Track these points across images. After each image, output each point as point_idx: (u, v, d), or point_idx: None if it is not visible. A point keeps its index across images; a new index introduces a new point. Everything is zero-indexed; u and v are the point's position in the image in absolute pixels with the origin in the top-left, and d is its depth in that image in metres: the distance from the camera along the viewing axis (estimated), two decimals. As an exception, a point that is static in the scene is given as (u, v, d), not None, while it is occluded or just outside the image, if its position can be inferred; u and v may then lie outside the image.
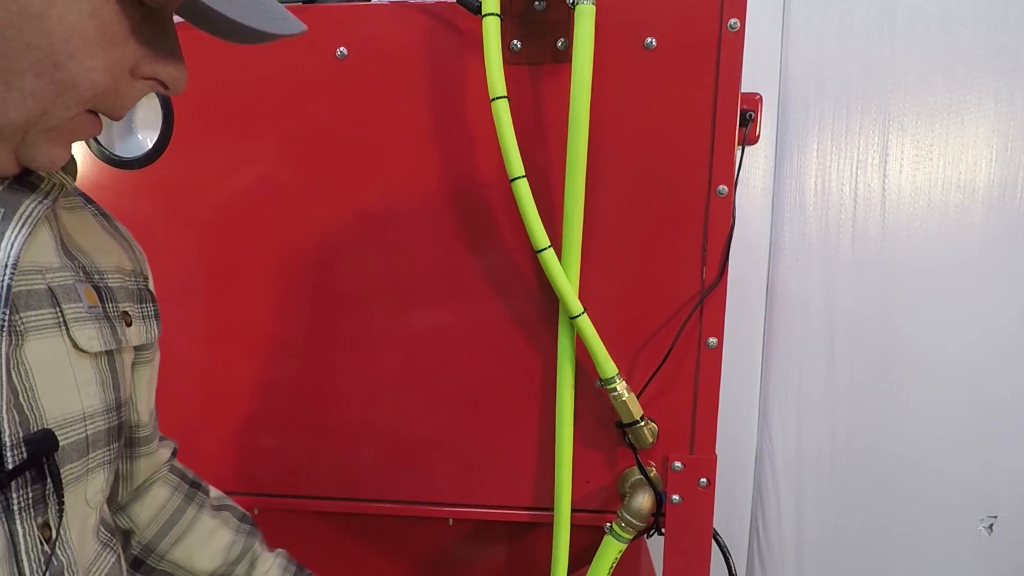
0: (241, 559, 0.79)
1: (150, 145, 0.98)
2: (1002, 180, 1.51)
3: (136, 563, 0.78)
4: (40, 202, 0.49)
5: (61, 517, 0.47)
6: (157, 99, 0.96)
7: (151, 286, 0.66)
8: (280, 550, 0.84)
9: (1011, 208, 1.52)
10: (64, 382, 0.49)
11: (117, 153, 0.98)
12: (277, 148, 0.96)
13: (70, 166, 0.55)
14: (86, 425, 0.51)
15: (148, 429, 0.71)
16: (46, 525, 0.46)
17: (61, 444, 0.47)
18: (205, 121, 0.96)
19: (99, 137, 0.98)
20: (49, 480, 0.46)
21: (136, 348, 0.63)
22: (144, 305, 0.63)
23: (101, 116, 0.51)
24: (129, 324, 0.58)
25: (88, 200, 0.63)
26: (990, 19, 1.45)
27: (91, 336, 0.51)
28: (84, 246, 0.56)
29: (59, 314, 0.49)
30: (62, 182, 0.52)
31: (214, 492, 0.83)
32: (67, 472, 0.49)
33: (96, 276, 0.55)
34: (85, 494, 0.52)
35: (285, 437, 1.03)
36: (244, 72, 0.94)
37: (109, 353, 0.54)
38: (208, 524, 0.78)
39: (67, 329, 0.49)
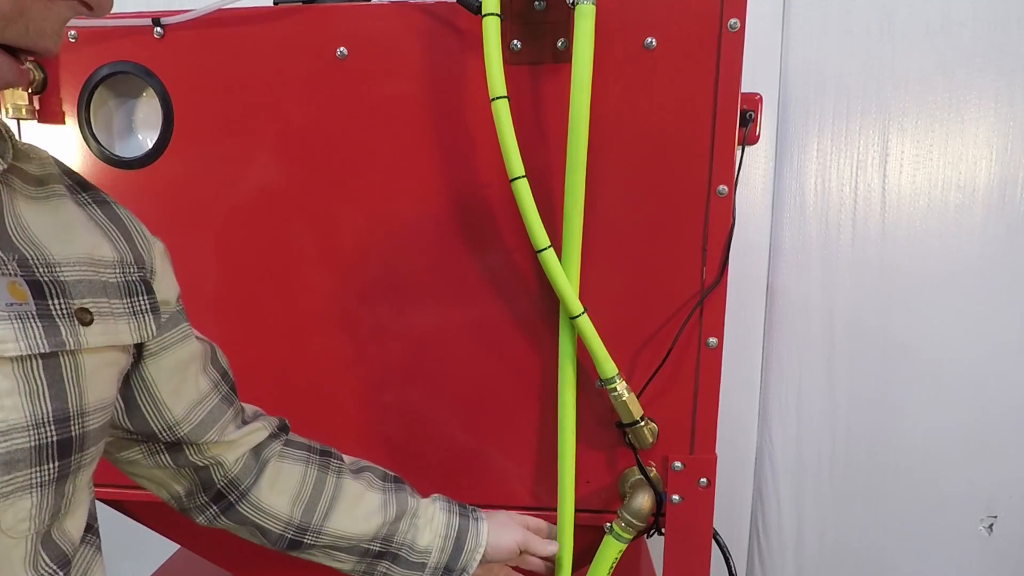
0: (401, 515, 0.78)
1: (150, 145, 0.98)
2: (1002, 180, 1.51)
3: (294, 544, 0.77)
4: None
5: None
6: (157, 99, 0.96)
7: (156, 279, 0.61)
8: (436, 495, 0.84)
9: (1011, 208, 1.51)
10: None
11: (117, 153, 0.98)
12: (277, 148, 0.96)
13: (3, 144, 0.50)
14: None
15: (196, 419, 0.67)
16: None
17: None
18: (205, 121, 0.96)
19: (99, 137, 0.98)
20: None
21: (138, 344, 0.59)
22: (133, 298, 0.57)
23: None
24: (87, 323, 0.51)
25: (80, 188, 0.58)
26: (990, 19, 1.45)
27: (5, 338, 0.44)
28: (39, 236, 0.50)
29: None
30: None
31: (348, 457, 0.81)
32: None
33: (42, 269, 0.49)
34: (0, 523, 0.45)
35: (285, 437, 1.03)
36: (244, 72, 0.94)
37: (46, 357, 0.47)
38: (353, 488, 0.76)
39: None
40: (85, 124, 0.97)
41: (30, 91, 0.96)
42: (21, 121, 0.98)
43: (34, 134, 0.99)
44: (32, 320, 0.47)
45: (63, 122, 0.98)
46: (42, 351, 0.47)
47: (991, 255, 1.53)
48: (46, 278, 0.49)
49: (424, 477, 1.01)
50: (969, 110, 1.49)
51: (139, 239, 0.61)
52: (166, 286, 0.64)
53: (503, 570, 0.92)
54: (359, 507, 0.76)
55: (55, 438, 0.48)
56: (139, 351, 0.62)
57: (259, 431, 0.76)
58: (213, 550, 1.14)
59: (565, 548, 0.96)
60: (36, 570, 0.49)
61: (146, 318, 0.59)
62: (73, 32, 0.95)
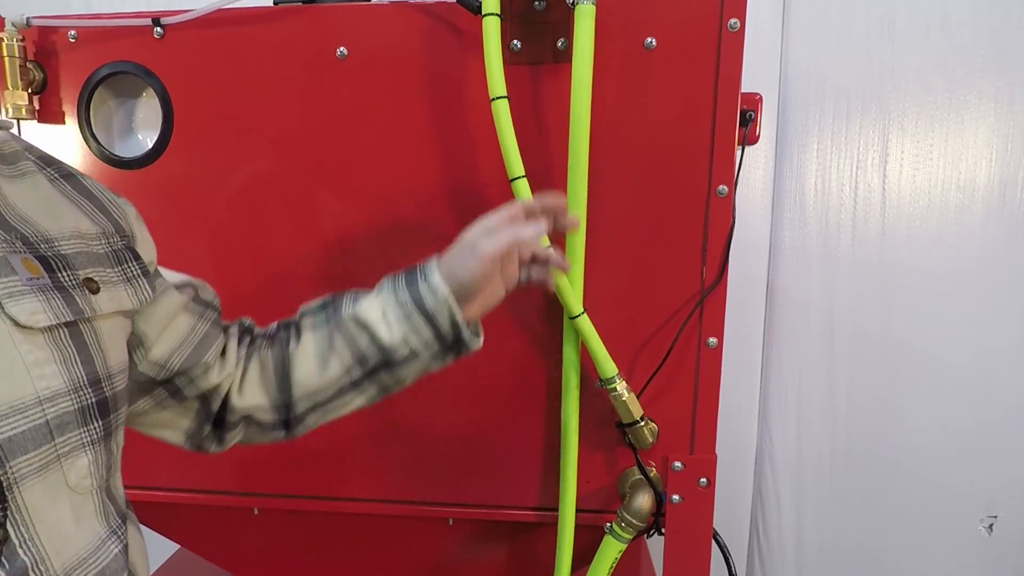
0: (352, 337, 0.72)
1: (150, 145, 0.98)
2: (1002, 180, 1.51)
3: (289, 423, 0.76)
4: None
5: (5, 516, 0.44)
6: (157, 99, 0.96)
7: (137, 244, 0.62)
8: (378, 284, 0.75)
9: (1011, 208, 1.51)
10: (8, 366, 0.46)
11: (117, 153, 0.98)
12: (277, 148, 0.96)
13: None
14: (44, 409, 0.47)
15: (183, 356, 0.68)
16: None
17: (9, 435, 0.44)
18: (205, 121, 0.97)
19: (99, 137, 0.98)
20: None
21: (134, 309, 0.60)
22: (124, 266, 0.59)
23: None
24: (95, 291, 0.54)
25: (47, 163, 0.59)
26: (990, 19, 1.45)
27: (35, 310, 0.47)
28: (28, 215, 0.52)
29: None
30: None
31: (299, 312, 0.78)
32: (21, 465, 0.45)
33: (43, 245, 0.51)
34: (66, 480, 0.49)
35: (285, 437, 1.03)
36: (244, 72, 0.94)
37: (70, 325, 0.51)
38: (299, 346, 0.74)
39: (1, 307, 0.46)
40: (85, 124, 0.97)
41: (30, 91, 0.96)
42: (21, 121, 0.98)
43: (34, 134, 0.99)
44: (52, 292, 0.50)
45: (63, 122, 0.98)
46: (67, 320, 0.50)
47: (991, 255, 1.53)
48: (48, 253, 0.52)
49: (424, 477, 1.02)
50: (969, 110, 1.49)
51: (112, 208, 0.61)
52: (147, 248, 0.65)
53: (503, 272, 0.76)
54: (311, 358, 0.74)
55: (94, 399, 0.52)
56: (134, 311, 0.63)
57: (232, 340, 0.76)
58: (213, 550, 1.14)
59: (565, 548, 0.96)
60: (108, 522, 0.54)
61: (140, 283, 0.61)
62: (73, 32, 0.95)
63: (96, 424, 0.52)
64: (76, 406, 0.50)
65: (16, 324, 0.46)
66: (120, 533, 0.55)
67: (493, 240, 0.71)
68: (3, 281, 0.47)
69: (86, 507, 0.51)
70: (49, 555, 0.47)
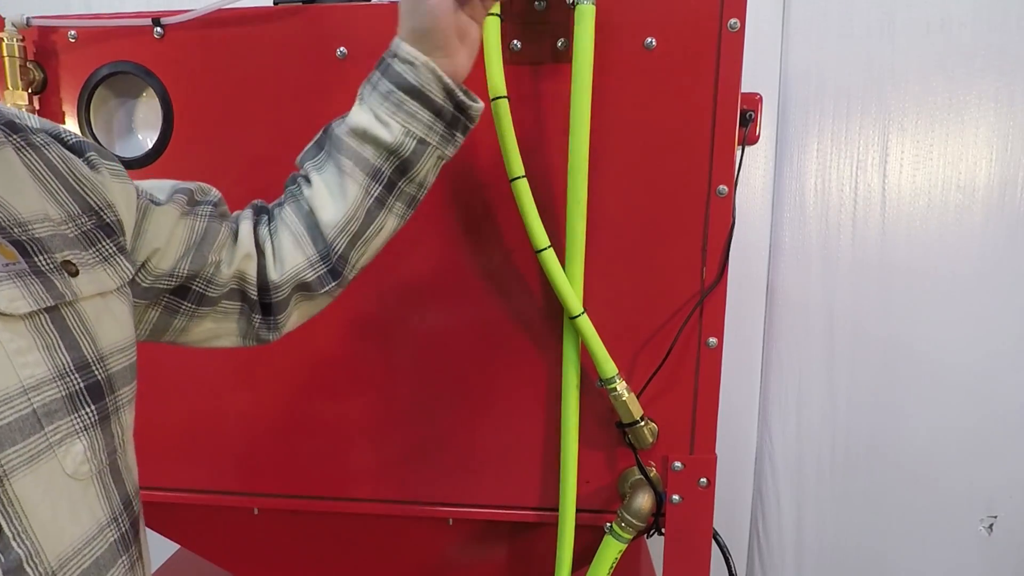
0: (354, 152, 0.69)
1: (150, 145, 0.98)
2: (1002, 180, 1.51)
3: (335, 270, 0.73)
4: None
5: None
6: (157, 99, 0.96)
7: (113, 213, 0.59)
8: (358, 95, 0.71)
9: (1011, 208, 1.51)
10: None
11: (117, 153, 0.98)
12: (277, 148, 0.96)
13: None
14: (30, 398, 0.46)
15: (189, 257, 0.66)
16: None
17: None
18: (205, 121, 0.97)
19: (99, 137, 0.98)
20: None
21: (120, 285, 0.58)
22: (98, 246, 0.57)
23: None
24: (74, 274, 0.52)
25: (12, 129, 0.55)
26: (990, 19, 1.45)
27: (14, 297, 0.46)
28: (2, 196, 0.50)
29: None
30: None
31: (303, 169, 0.75)
32: (13, 455, 0.45)
33: (17, 229, 0.49)
34: (63, 468, 0.48)
35: (285, 437, 1.03)
36: (244, 72, 0.94)
37: (51, 310, 0.49)
38: (311, 191, 0.72)
39: None
40: (85, 124, 0.97)
41: (30, 91, 0.96)
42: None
43: (34, 134, 0.99)
44: (30, 277, 0.48)
45: (63, 122, 0.98)
46: (47, 305, 0.48)
47: (991, 255, 1.53)
48: (23, 237, 0.50)
49: (424, 477, 1.02)
50: (969, 110, 1.49)
51: (78, 183, 0.58)
52: (128, 205, 0.63)
53: (463, 21, 0.69)
54: (328, 193, 0.71)
55: (82, 384, 0.51)
56: (122, 285, 0.61)
57: (245, 222, 0.74)
58: (213, 550, 1.14)
59: (565, 548, 0.96)
60: (111, 505, 0.53)
61: (118, 259, 0.59)
62: (73, 32, 0.95)
63: (88, 409, 0.51)
64: (64, 392, 0.49)
65: None
66: (121, 518, 0.54)
67: None
68: None
69: (88, 492, 0.50)
70: (44, 547, 0.46)
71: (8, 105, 0.95)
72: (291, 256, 0.73)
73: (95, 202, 0.59)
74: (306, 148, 0.76)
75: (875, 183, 1.54)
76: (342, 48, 0.92)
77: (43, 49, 0.96)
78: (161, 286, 0.67)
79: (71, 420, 0.49)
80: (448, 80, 0.68)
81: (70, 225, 0.55)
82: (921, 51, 1.48)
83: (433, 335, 0.98)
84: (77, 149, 0.60)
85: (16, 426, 0.45)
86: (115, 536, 0.53)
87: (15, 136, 0.55)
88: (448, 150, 0.72)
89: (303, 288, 0.74)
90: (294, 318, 0.77)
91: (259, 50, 0.94)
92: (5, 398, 0.45)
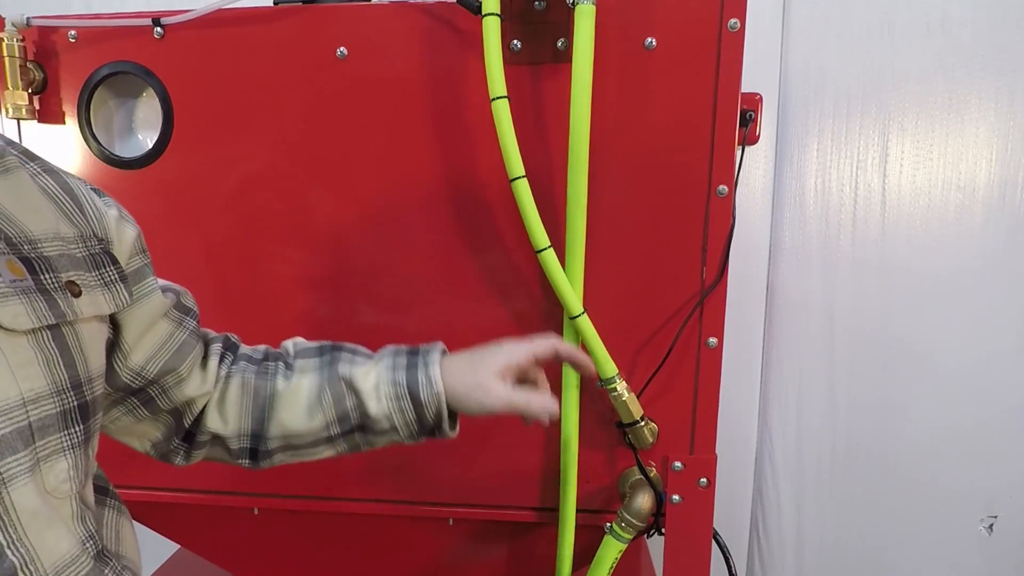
0: (341, 396, 0.73)
1: (150, 145, 0.98)
2: (1002, 180, 1.51)
3: (255, 453, 0.76)
4: None
5: None
6: (157, 99, 0.96)
7: (115, 248, 0.61)
8: (383, 349, 0.76)
9: (1011, 208, 1.51)
10: None
11: (117, 153, 0.98)
12: (277, 148, 0.96)
13: None
14: (27, 411, 0.47)
15: (157, 366, 0.67)
16: None
17: None
18: (205, 121, 0.97)
19: (99, 137, 0.98)
20: None
21: (112, 314, 0.60)
22: (102, 271, 0.58)
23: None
24: (77, 295, 0.54)
25: (30, 158, 0.58)
26: (990, 19, 1.45)
27: (17, 313, 0.47)
28: (13, 214, 0.51)
29: None
30: None
31: (293, 349, 0.78)
32: (10, 465, 0.45)
33: (26, 247, 0.51)
34: (44, 485, 0.48)
35: (285, 437, 1.03)
36: (244, 72, 0.94)
37: (53, 328, 0.50)
38: (286, 386, 0.74)
39: None
40: (85, 124, 0.97)
41: (30, 91, 0.96)
42: (21, 121, 0.98)
43: (34, 134, 0.99)
44: (35, 294, 0.49)
45: (63, 122, 0.98)
46: (49, 323, 0.50)
47: (991, 255, 1.53)
48: (32, 255, 0.51)
49: (424, 477, 1.02)
50: (969, 110, 1.49)
51: (91, 210, 0.60)
52: (127, 250, 0.64)
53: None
54: (296, 404, 0.73)
55: (76, 403, 0.51)
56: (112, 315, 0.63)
57: (213, 358, 0.75)
58: (213, 550, 1.14)
59: (566, 548, 0.96)
60: (84, 525, 0.53)
61: (118, 287, 0.60)
62: (73, 32, 0.95)
63: (77, 428, 0.52)
64: (58, 409, 0.50)
65: (0, 327, 0.46)
66: (94, 540, 0.54)
67: (503, 398, 0.72)
68: None
69: (62, 511, 0.51)
70: (39, 555, 0.47)
71: (9, 106, 0.95)
72: (231, 415, 0.75)
73: (101, 231, 0.60)
74: (309, 344, 0.79)
75: (875, 183, 1.54)
76: (342, 48, 0.92)
77: (43, 49, 0.96)
78: (126, 381, 0.67)
79: (60, 437, 0.50)
80: (446, 415, 0.73)
81: (80, 246, 0.57)
82: (921, 51, 1.48)
83: (433, 335, 0.98)
84: (95, 191, 0.63)
85: (15, 436, 0.46)
86: (93, 553, 0.53)
87: (32, 164, 0.57)
88: (406, 442, 0.77)
89: (222, 446, 0.76)
90: (204, 457, 0.79)
91: (259, 50, 0.94)
92: (6, 409, 0.46)
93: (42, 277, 0.51)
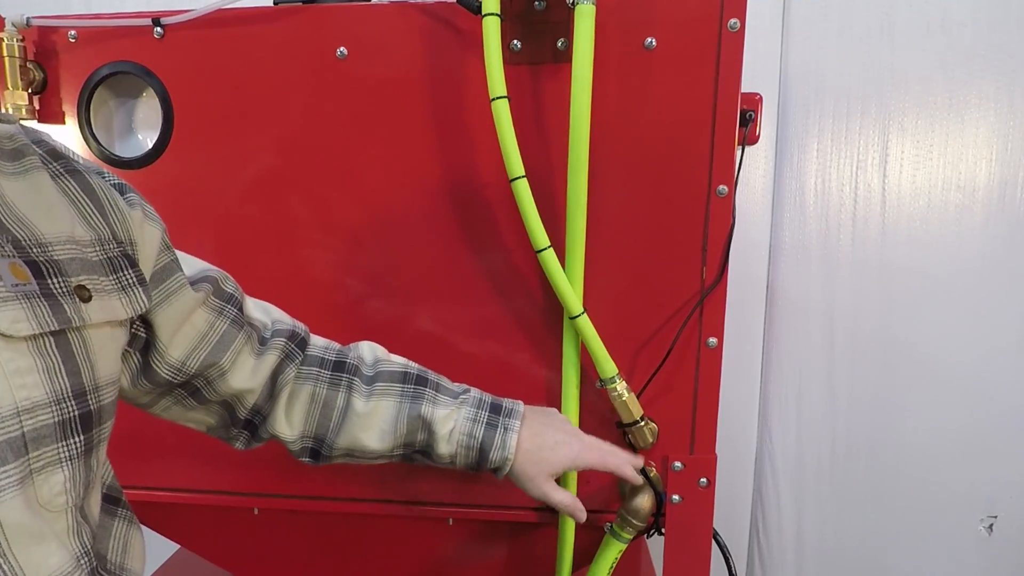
0: (415, 430, 0.77)
1: (150, 145, 0.98)
2: (1002, 180, 1.51)
3: (315, 453, 0.79)
4: None
5: None
6: (157, 99, 0.96)
7: (137, 249, 0.60)
8: (465, 395, 0.80)
9: (1011, 208, 1.51)
10: None
11: (117, 153, 0.98)
12: (277, 148, 0.96)
13: None
14: (21, 421, 0.45)
15: (201, 357, 0.68)
16: None
17: None
18: (205, 121, 0.96)
19: (99, 137, 0.98)
20: None
21: (131, 318, 0.59)
22: (119, 274, 0.57)
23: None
24: (86, 299, 0.52)
25: (54, 157, 0.57)
26: (990, 19, 1.45)
27: (16, 318, 0.46)
28: (27, 216, 0.50)
29: None
30: None
31: (369, 358, 0.81)
32: (2, 476, 0.44)
33: (35, 249, 0.50)
34: (36, 498, 0.46)
35: (285, 437, 1.03)
36: (244, 72, 0.94)
37: (57, 334, 0.49)
38: (363, 406, 0.76)
39: None
40: (85, 124, 0.97)
41: (30, 91, 0.96)
42: (21, 121, 0.98)
43: (34, 134, 0.99)
44: (38, 299, 0.48)
45: (63, 122, 0.98)
46: (52, 329, 0.48)
47: (991, 255, 1.53)
48: (41, 258, 0.50)
49: (424, 477, 1.02)
50: (969, 110, 1.49)
51: (113, 213, 0.59)
52: (153, 249, 0.64)
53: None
54: (371, 427, 0.76)
55: (76, 412, 0.50)
56: (132, 319, 0.61)
57: (273, 354, 0.75)
58: (213, 550, 1.14)
59: (566, 548, 0.96)
60: (80, 540, 0.51)
61: (135, 291, 0.59)
62: (73, 32, 0.95)
63: (77, 439, 0.50)
64: (56, 419, 0.48)
65: None
66: (90, 556, 0.52)
67: (544, 496, 0.80)
68: None
69: (56, 525, 0.49)
70: (23, 572, 0.45)
71: (9, 106, 0.95)
72: (298, 421, 0.77)
73: (124, 234, 0.59)
74: (392, 365, 0.81)
75: (875, 183, 1.54)
76: (342, 48, 0.92)
77: (43, 49, 0.96)
78: (168, 377, 0.68)
79: (57, 448, 0.48)
80: (505, 471, 0.79)
81: (97, 249, 0.56)
82: (921, 51, 1.47)
83: (433, 335, 0.98)
84: (118, 187, 0.62)
85: (5, 448, 0.44)
86: (88, 572, 0.51)
87: (55, 163, 0.56)
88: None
89: (285, 445, 0.79)
90: (264, 444, 0.82)
91: (259, 50, 0.94)
92: None
93: (49, 281, 0.49)
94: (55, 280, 0.50)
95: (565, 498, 0.81)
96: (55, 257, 0.51)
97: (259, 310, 0.79)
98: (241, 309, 0.75)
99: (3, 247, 0.48)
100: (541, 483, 0.79)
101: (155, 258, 0.64)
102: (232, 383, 0.72)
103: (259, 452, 1.03)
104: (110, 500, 0.60)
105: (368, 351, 0.82)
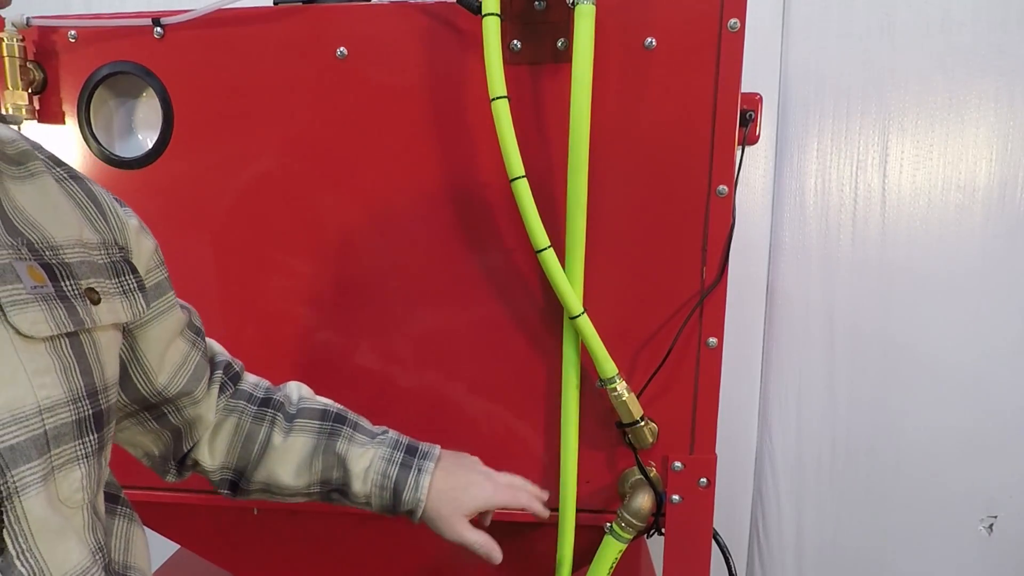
0: (331, 467, 0.77)
1: (150, 145, 0.98)
2: (1002, 180, 1.51)
3: (233, 486, 0.79)
4: None
5: (3, 525, 0.43)
6: (157, 99, 0.96)
7: (134, 257, 0.62)
8: (383, 435, 0.81)
9: (1011, 208, 1.51)
10: (9, 375, 0.45)
11: (117, 153, 0.98)
12: (277, 148, 0.96)
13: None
14: (43, 419, 0.46)
15: (177, 387, 0.69)
16: None
17: (11, 443, 0.44)
18: (205, 121, 0.96)
19: (99, 137, 0.98)
20: None
21: (127, 324, 0.60)
22: (121, 279, 0.59)
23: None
24: (96, 302, 0.53)
25: (56, 163, 0.58)
26: (990, 19, 1.45)
27: (37, 320, 0.47)
28: (37, 219, 0.51)
29: None
30: None
31: (295, 396, 0.81)
32: (23, 474, 0.45)
33: (48, 252, 0.51)
34: (57, 494, 0.48)
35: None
36: (244, 72, 0.94)
37: (71, 336, 0.50)
38: (282, 441, 0.76)
39: (4, 315, 0.45)
40: (85, 124, 0.97)
41: (30, 91, 0.96)
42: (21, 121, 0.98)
43: (34, 134, 0.99)
44: (55, 301, 0.49)
45: (63, 122, 0.98)
46: (68, 330, 0.49)
47: (991, 255, 1.53)
48: (53, 261, 0.51)
49: (424, 477, 1.01)
50: (969, 110, 1.49)
51: (114, 219, 0.60)
52: (145, 261, 0.65)
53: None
54: (287, 461, 0.77)
55: (91, 411, 0.51)
56: (126, 325, 0.63)
57: (215, 385, 0.77)
58: (213, 550, 1.14)
59: (566, 548, 0.96)
60: (95, 537, 0.52)
61: (135, 296, 0.60)
62: (73, 32, 0.95)
63: (92, 436, 0.51)
64: (74, 417, 0.49)
65: (18, 333, 0.46)
66: (103, 552, 0.53)
67: (458, 537, 0.80)
68: (7, 288, 0.46)
69: (74, 521, 0.50)
70: (49, 566, 0.46)
71: (9, 106, 0.95)
72: (221, 451, 0.77)
73: (124, 241, 0.61)
74: (314, 404, 0.81)
75: (875, 183, 1.54)
76: (342, 48, 0.92)
77: (43, 49, 0.96)
78: (146, 396, 0.68)
79: (75, 446, 0.49)
80: (418, 514, 0.79)
81: (102, 252, 0.57)
82: (921, 51, 1.48)
83: (433, 335, 0.98)
84: (117, 200, 0.64)
85: (32, 444, 0.45)
86: (102, 566, 0.52)
87: (58, 169, 0.58)
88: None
89: (205, 475, 0.79)
90: (187, 477, 0.81)
91: (259, 50, 0.94)
92: (22, 417, 0.45)
93: (62, 284, 0.51)
94: (67, 283, 0.51)
95: (479, 538, 0.81)
96: (66, 260, 0.52)
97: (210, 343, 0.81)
98: (205, 342, 0.77)
99: (19, 250, 0.49)
100: (455, 523, 0.80)
101: (150, 271, 0.65)
102: (194, 413, 0.72)
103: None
104: (109, 498, 0.61)
105: (295, 390, 0.83)
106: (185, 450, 0.76)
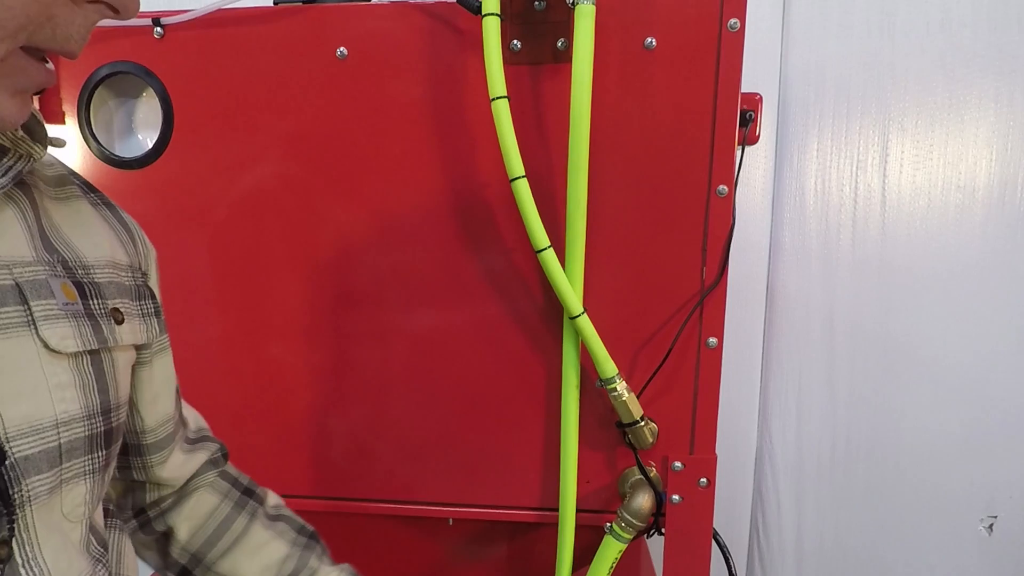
0: (298, 573, 0.75)
1: (150, 145, 0.98)
2: (1002, 180, 1.51)
3: (183, 571, 0.75)
4: None
5: (12, 534, 0.44)
6: (157, 99, 0.96)
7: (152, 283, 0.64)
8: (345, 565, 0.79)
9: (1011, 208, 1.51)
10: (32, 386, 0.46)
11: (117, 153, 0.98)
12: (277, 148, 0.96)
13: (38, 132, 0.51)
14: (59, 433, 0.47)
15: (158, 435, 0.68)
16: (3, 543, 0.44)
17: (26, 454, 0.44)
18: (205, 121, 0.97)
19: (99, 137, 0.98)
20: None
21: (137, 348, 0.60)
22: (142, 302, 0.60)
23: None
24: (120, 322, 0.55)
25: (89, 189, 0.60)
26: (990, 19, 1.45)
27: (65, 335, 0.48)
28: (71, 239, 0.53)
29: (27, 312, 0.45)
30: (29, 152, 0.49)
31: (272, 500, 0.79)
32: (34, 484, 0.45)
33: (80, 271, 0.52)
34: (61, 507, 0.48)
35: (285, 437, 1.03)
36: (244, 72, 0.94)
37: (93, 353, 0.51)
38: (260, 536, 0.74)
39: (36, 328, 0.46)
40: (85, 124, 0.97)
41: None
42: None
43: (34, 134, 0.99)
44: (83, 319, 0.50)
45: (63, 122, 0.98)
46: (92, 348, 0.50)
47: (991, 255, 1.53)
48: (84, 279, 0.52)
49: (424, 477, 1.02)
50: (969, 110, 1.49)
51: (141, 245, 0.63)
52: (158, 292, 0.66)
53: None
54: (260, 555, 0.74)
55: (102, 428, 0.52)
56: (139, 348, 0.63)
57: (203, 453, 0.75)
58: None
59: (566, 548, 0.96)
60: (89, 552, 0.52)
61: (152, 321, 0.62)
62: (73, 32, 0.95)
63: (100, 453, 0.52)
64: (87, 433, 0.50)
65: (46, 347, 0.47)
66: (104, 560, 0.54)
67: None
68: (41, 304, 0.47)
69: (73, 535, 0.50)
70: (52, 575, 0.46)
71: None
72: (192, 526, 0.74)
73: (146, 268, 0.63)
74: (292, 515, 0.79)
75: (875, 183, 1.54)
76: (342, 48, 0.92)
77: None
78: (126, 438, 0.67)
79: (84, 461, 0.50)
80: None
81: (129, 274, 0.59)
82: (921, 51, 1.48)
83: (433, 335, 0.98)
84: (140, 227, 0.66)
85: (44, 456, 0.46)
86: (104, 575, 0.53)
87: (92, 195, 0.60)
88: None
89: (165, 548, 0.75)
90: (140, 544, 0.77)
91: (259, 50, 0.94)
92: (40, 428, 0.46)
93: (91, 302, 0.52)
94: (96, 302, 0.53)
95: None
96: (96, 280, 0.54)
97: (186, 409, 0.78)
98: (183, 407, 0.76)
99: (55, 267, 0.50)
100: None
101: (160, 302, 0.66)
102: (161, 473, 0.71)
103: (259, 453, 1.03)
104: (103, 511, 0.60)
105: (272, 496, 0.81)
106: (144, 504, 0.73)
